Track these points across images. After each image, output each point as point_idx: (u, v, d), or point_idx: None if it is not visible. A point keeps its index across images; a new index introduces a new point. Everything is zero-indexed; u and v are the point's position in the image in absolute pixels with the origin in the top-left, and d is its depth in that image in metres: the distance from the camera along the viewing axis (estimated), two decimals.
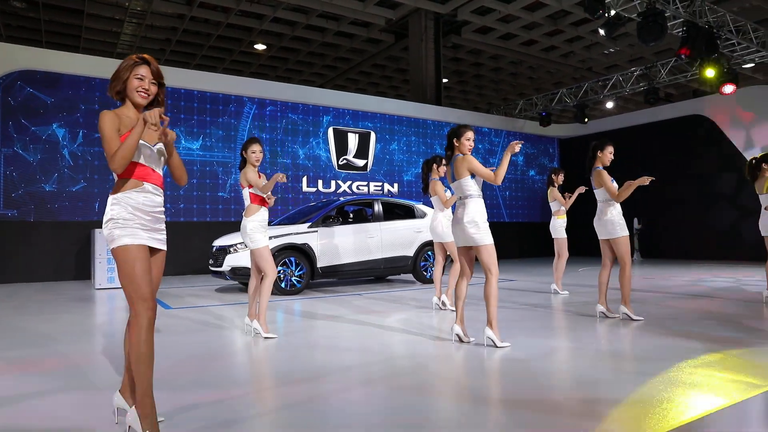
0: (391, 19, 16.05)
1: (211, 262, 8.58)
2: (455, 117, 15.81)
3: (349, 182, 13.99)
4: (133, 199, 2.50)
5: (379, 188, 14.47)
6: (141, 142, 2.51)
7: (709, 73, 12.14)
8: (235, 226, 10.93)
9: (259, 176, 4.95)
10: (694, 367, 3.64)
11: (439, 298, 6.52)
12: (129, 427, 2.46)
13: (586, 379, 3.47)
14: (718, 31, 11.53)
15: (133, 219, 2.49)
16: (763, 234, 6.57)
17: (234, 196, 12.37)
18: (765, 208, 6.49)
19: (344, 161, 13.98)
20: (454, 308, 5.64)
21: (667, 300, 6.97)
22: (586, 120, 16.53)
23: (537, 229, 16.43)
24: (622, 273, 5.51)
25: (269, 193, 4.95)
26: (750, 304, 6.47)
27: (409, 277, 10.40)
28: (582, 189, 7.42)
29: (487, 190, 4.56)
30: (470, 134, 4.51)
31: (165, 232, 2.66)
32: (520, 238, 16.77)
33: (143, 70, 2.58)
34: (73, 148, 10.80)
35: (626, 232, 5.50)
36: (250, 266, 5.13)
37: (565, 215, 7.87)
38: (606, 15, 10.80)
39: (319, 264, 8.42)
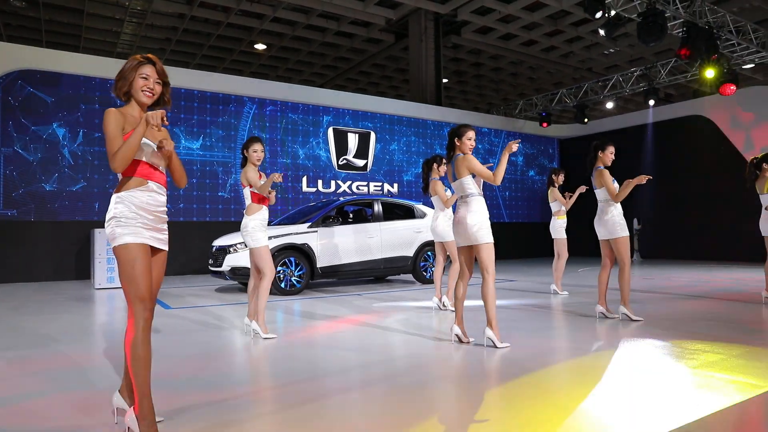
0: (391, 19, 16.05)
1: (210, 262, 8.58)
2: (455, 117, 15.82)
3: (349, 182, 13.99)
4: (137, 198, 2.50)
5: (379, 188, 14.47)
6: (145, 140, 2.51)
7: (709, 73, 12.14)
8: (234, 226, 10.93)
9: (260, 176, 4.95)
10: (693, 367, 3.64)
11: (440, 299, 6.52)
12: (128, 427, 2.46)
13: (585, 380, 3.46)
14: (718, 31, 11.53)
15: (136, 218, 2.48)
16: (763, 234, 6.57)
17: (234, 196, 12.37)
18: (765, 208, 6.48)
19: (344, 161, 13.98)
20: (453, 309, 5.64)
21: (666, 300, 6.97)
22: (586, 120, 16.53)
23: (537, 230, 16.43)
24: (621, 273, 5.51)
25: (270, 190, 4.95)
26: (749, 305, 6.47)
27: (409, 277, 10.40)
28: (583, 189, 7.42)
29: (487, 190, 4.56)
30: (471, 134, 4.51)
31: (167, 233, 2.66)
32: (519, 239, 16.77)
33: (148, 70, 2.58)
34: (74, 147, 10.80)
35: (626, 233, 5.50)
36: (249, 266, 5.12)
37: (565, 216, 7.86)
38: (606, 15, 10.80)
39: (319, 264, 8.42)
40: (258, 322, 4.89)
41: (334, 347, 4.62)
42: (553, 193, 7.88)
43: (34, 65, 10.54)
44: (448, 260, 6.67)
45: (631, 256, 14.25)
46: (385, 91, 22.93)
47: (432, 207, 7.28)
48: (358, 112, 14.33)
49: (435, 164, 6.47)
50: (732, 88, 12.34)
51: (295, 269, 8.20)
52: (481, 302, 4.41)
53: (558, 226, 7.84)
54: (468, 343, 4.47)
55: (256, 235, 4.87)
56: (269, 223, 5.90)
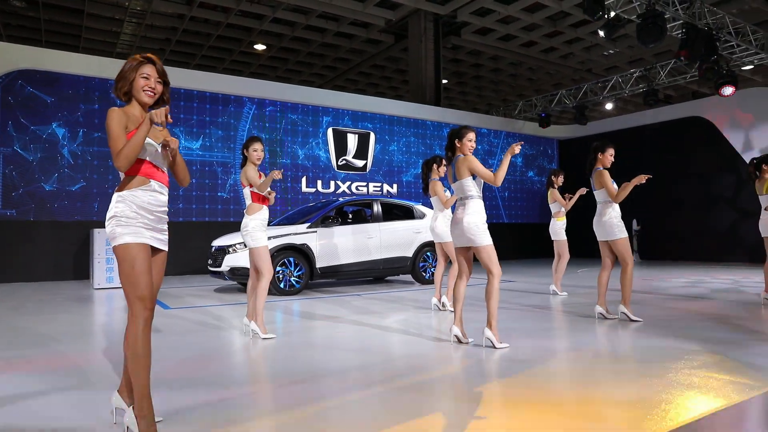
0: (391, 19, 16.06)
1: (210, 262, 8.58)
2: (454, 118, 15.83)
3: (348, 183, 14.00)
4: (139, 197, 2.50)
5: (378, 189, 14.48)
6: (147, 140, 2.52)
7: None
8: (234, 227, 10.94)
9: (260, 176, 4.95)
10: (692, 368, 3.64)
11: (439, 300, 6.52)
12: (127, 427, 2.46)
13: (584, 380, 3.47)
14: (717, 33, 11.55)
15: (136, 217, 2.48)
16: (763, 235, 6.58)
17: (234, 196, 12.37)
18: (765, 209, 6.49)
19: (343, 162, 13.98)
20: (453, 309, 5.64)
21: (665, 301, 6.97)
22: (585, 123, 16.54)
23: (536, 230, 16.44)
24: (624, 274, 5.51)
25: (269, 189, 4.95)
26: (748, 306, 6.48)
27: (408, 277, 10.40)
28: (583, 190, 7.41)
29: (486, 191, 4.58)
30: (472, 135, 4.52)
31: (167, 233, 2.66)
32: (518, 239, 16.78)
33: (148, 69, 2.58)
34: (73, 147, 10.80)
35: (625, 234, 5.50)
36: (248, 266, 5.13)
37: (564, 217, 7.87)
38: (606, 16, 10.81)
39: (318, 264, 8.42)
40: (257, 322, 4.89)
41: (333, 348, 4.62)
42: (553, 194, 7.88)
43: (33, 65, 10.53)
44: (450, 261, 6.66)
45: None
46: (384, 91, 22.94)
47: (431, 207, 7.28)
48: (358, 112, 14.33)
49: (435, 165, 6.47)
50: (731, 89, 12.35)
51: (295, 269, 8.20)
52: (477, 301, 4.41)
53: (558, 228, 7.84)
54: (467, 343, 4.47)
55: (255, 235, 4.87)
56: (268, 224, 5.90)
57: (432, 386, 3.48)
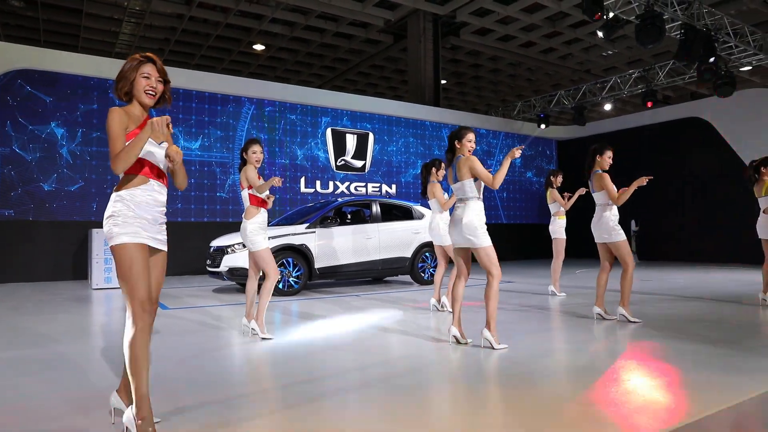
0: (390, 20, 16.06)
1: (208, 262, 8.57)
2: (453, 118, 15.83)
3: (347, 183, 13.99)
4: (137, 197, 2.49)
5: (377, 189, 14.48)
6: (150, 141, 2.51)
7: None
8: (233, 227, 10.94)
9: (258, 177, 4.96)
10: (690, 369, 3.65)
11: (438, 300, 6.52)
12: (126, 427, 2.46)
13: (583, 381, 3.47)
14: (715, 34, 11.56)
15: (134, 217, 2.47)
16: (761, 237, 6.59)
17: (232, 196, 12.36)
18: (764, 211, 6.50)
19: (342, 162, 13.98)
20: (452, 310, 5.64)
21: (664, 302, 6.98)
22: (584, 123, 16.56)
23: (534, 231, 16.46)
24: (624, 275, 5.51)
25: (267, 192, 4.95)
26: (747, 307, 6.49)
27: (407, 278, 10.39)
28: (582, 190, 7.40)
29: (485, 191, 4.57)
30: (471, 135, 4.53)
31: (165, 233, 2.66)
32: (517, 240, 16.78)
33: (149, 68, 2.58)
34: (72, 147, 10.79)
35: (623, 236, 5.49)
36: (247, 267, 5.12)
37: (564, 216, 7.88)
38: (604, 17, 10.82)
39: (317, 265, 8.42)
40: (258, 321, 4.89)
41: (331, 348, 4.62)
42: (553, 194, 7.88)
43: (32, 65, 10.52)
44: (451, 262, 6.65)
45: None
46: (383, 92, 22.95)
47: (429, 208, 7.28)
48: (357, 113, 14.33)
49: (434, 168, 6.48)
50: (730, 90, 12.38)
51: (293, 270, 8.20)
52: (476, 302, 4.42)
53: (558, 227, 7.85)
54: (466, 344, 4.47)
55: (255, 239, 4.87)
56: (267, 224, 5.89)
57: (431, 387, 3.48)
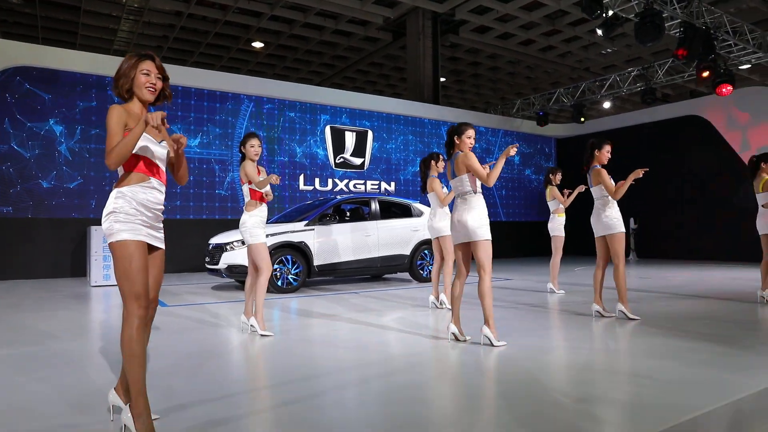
0: (389, 17, 16.04)
1: (207, 259, 8.57)
2: (452, 116, 15.82)
3: (346, 180, 13.99)
4: (138, 194, 2.49)
5: (376, 187, 14.47)
6: (148, 138, 2.51)
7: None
8: (231, 224, 10.93)
9: (258, 171, 4.96)
10: (689, 366, 3.65)
11: (437, 297, 6.52)
12: (124, 425, 2.46)
13: (582, 378, 3.48)
14: (715, 32, 11.57)
15: (135, 214, 2.48)
16: (760, 233, 6.59)
17: (231, 193, 12.36)
18: (762, 206, 6.51)
19: (341, 159, 13.97)
20: (450, 307, 5.64)
21: (662, 300, 6.99)
22: (582, 120, 16.56)
23: (533, 228, 16.47)
24: (616, 271, 5.51)
25: (268, 188, 4.95)
26: (745, 304, 6.50)
27: (406, 275, 10.40)
28: (582, 188, 7.40)
29: (484, 189, 4.57)
30: (471, 132, 4.53)
31: (163, 230, 2.66)
32: (516, 237, 16.79)
33: (148, 65, 2.58)
34: (71, 144, 10.77)
35: (623, 229, 5.51)
36: (246, 264, 5.13)
37: (564, 213, 7.89)
38: (604, 15, 10.82)
39: (316, 262, 8.42)
40: (257, 318, 4.89)
41: (330, 345, 4.62)
42: (552, 192, 7.88)
43: (30, 62, 10.50)
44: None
45: (627, 256, 14.30)
46: (382, 89, 22.93)
47: (429, 206, 7.28)
48: (356, 110, 14.32)
49: (432, 162, 6.47)
50: (728, 88, 12.38)
51: (292, 267, 8.20)
52: (474, 299, 4.42)
53: (558, 224, 7.85)
54: (464, 341, 4.47)
55: (254, 232, 4.88)
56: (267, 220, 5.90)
57: (429, 384, 3.48)
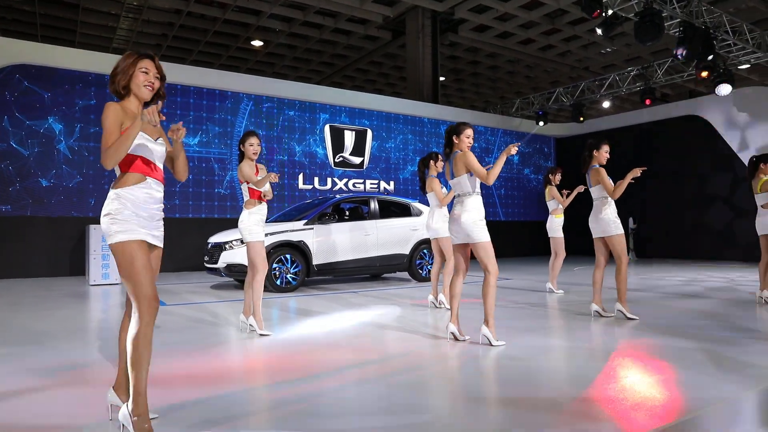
0: (389, 16, 16.03)
1: (206, 258, 8.56)
2: (452, 115, 15.82)
3: (345, 180, 13.99)
4: (135, 195, 2.49)
5: (376, 186, 14.47)
6: (145, 137, 2.51)
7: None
8: (230, 223, 10.91)
9: (257, 169, 4.95)
10: (688, 366, 3.66)
11: (436, 297, 6.52)
12: (122, 424, 2.46)
13: (580, 378, 3.48)
14: (714, 31, 11.57)
15: (132, 215, 2.47)
16: (759, 233, 6.59)
17: (230, 192, 12.35)
18: (761, 206, 6.51)
19: (340, 159, 13.97)
20: (449, 307, 5.64)
21: (661, 299, 7.00)
22: (582, 119, 16.57)
23: (532, 228, 16.48)
24: (618, 271, 5.52)
25: (267, 186, 4.95)
26: (744, 304, 6.50)
27: (405, 275, 10.40)
28: (581, 188, 7.39)
29: (483, 188, 4.57)
30: (470, 131, 4.52)
31: (162, 229, 2.66)
32: (515, 237, 16.80)
33: (147, 64, 2.58)
34: (70, 142, 10.76)
35: (621, 230, 5.52)
36: (245, 263, 5.12)
37: (562, 214, 7.88)
38: (603, 14, 10.82)
39: (315, 261, 8.42)
40: (255, 317, 4.89)
41: (329, 345, 4.62)
42: (552, 192, 7.88)
43: (29, 60, 10.48)
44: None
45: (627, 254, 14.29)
46: (381, 88, 22.91)
47: (428, 205, 7.28)
48: (355, 109, 14.31)
49: (431, 161, 6.46)
50: (728, 88, 12.38)
51: (291, 266, 8.19)
52: (475, 299, 4.42)
53: (556, 225, 7.85)
54: (464, 341, 4.47)
55: (253, 229, 4.88)
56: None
57: (428, 383, 3.48)
